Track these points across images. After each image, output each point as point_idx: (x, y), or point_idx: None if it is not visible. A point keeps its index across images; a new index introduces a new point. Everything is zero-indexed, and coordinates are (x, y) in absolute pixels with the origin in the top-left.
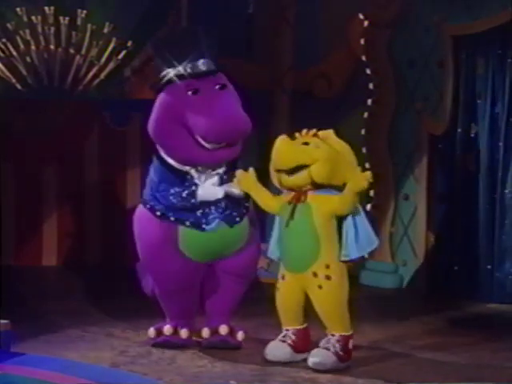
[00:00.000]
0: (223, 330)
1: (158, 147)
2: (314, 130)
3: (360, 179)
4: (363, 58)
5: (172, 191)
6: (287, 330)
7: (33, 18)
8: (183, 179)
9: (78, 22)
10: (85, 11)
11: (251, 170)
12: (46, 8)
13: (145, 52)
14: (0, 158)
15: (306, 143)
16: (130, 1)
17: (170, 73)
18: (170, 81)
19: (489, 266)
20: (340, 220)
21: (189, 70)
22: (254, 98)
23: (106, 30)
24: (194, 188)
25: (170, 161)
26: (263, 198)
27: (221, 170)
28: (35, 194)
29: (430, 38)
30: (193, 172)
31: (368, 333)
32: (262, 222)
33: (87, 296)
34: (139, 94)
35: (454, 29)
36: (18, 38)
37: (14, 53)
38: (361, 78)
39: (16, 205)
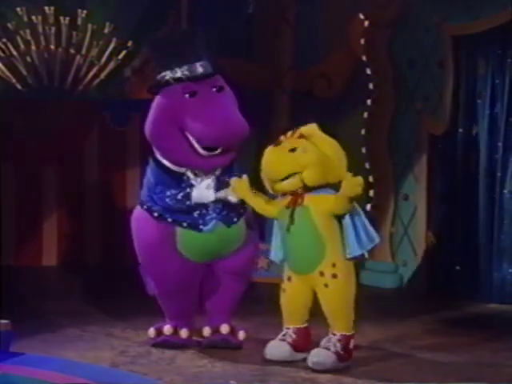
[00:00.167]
0: (224, 329)
1: (154, 149)
2: (299, 131)
3: (353, 185)
4: (363, 58)
5: (168, 193)
6: (288, 328)
7: (33, 17)
8: (179, 181)
9: (79, 21)
10: (85, 11)
11: (245, 176)
12: (47, 8)
13: (145, 52)
14: (0, 158)
15: (293, 149)
16: (130, 1)
17: (167, 75)
18: (167, 83)
19: (488, 266)
20: (339, 219)
21: (186, 73)
22: (254, 97)
23: (106, 30)
24: (188, 190)
25: (166, 163)
26: (259, 204)
27: (217, 172)
28: (35, 194)
29: (429, 37)
30: (189, 173)
31: (368, 333)
32: (260, 221)
33: (87, 296)
34: (139, 94)
35: (454, 29)
36: (19, 38)
37: (15, 53)
38: (361, 78)
39: (16, 205)
